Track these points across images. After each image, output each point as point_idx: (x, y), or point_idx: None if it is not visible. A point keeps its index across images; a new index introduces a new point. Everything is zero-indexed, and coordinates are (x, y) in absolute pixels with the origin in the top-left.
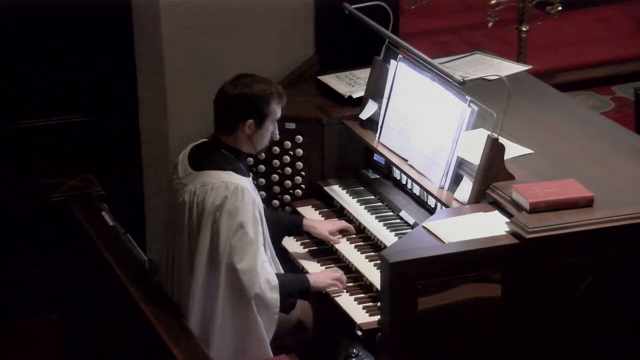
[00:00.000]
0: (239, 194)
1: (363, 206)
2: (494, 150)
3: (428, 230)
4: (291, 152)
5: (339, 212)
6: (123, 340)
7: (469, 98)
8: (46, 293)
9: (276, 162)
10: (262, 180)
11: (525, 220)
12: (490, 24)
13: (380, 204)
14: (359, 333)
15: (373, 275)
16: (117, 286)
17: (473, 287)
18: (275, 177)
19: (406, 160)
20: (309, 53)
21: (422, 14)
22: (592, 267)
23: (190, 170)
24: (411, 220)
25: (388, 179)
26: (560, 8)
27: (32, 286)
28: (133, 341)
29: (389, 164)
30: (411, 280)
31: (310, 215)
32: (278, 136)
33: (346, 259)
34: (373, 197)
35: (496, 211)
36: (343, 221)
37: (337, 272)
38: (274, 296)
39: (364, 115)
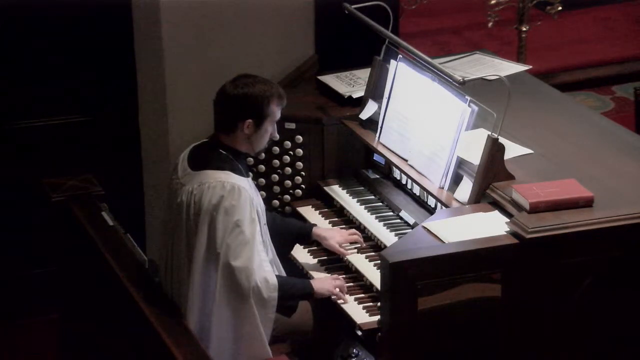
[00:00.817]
0: (236, 193)
1: (363, 206)
2: (494, 150)
3: (428, 230)
4: (291, 152)
5: (339, 212)
6: (123, 340)
7: (469, 98)
8: (46, 293)
9: (276, 162)
10: (262, 180)
11: (525, 220)
12: (490, 24)
13: (380, 204)
14: (359, 333)
15: (373, 275)
16: (117, 286)
17: (473, 287)
18: (275, 177)
19: (406, 160)
20: (309, 53)
21: (422, 14)
22: (592, 267)
23: (189, 170)
24: (411, 220)
25: (388, 179)
26: (560, 8)
27: (32, 286)
28: (133, 341)
29: (389, 164)
30: (411, 280)
31: (311, 215)
32: (277, 137)
33: (346, 259)
34: (373, 197)
35: (496, 211)
36: (353, 231)
37: (340, 280)
38: (272, 295)
39: (364, 115)
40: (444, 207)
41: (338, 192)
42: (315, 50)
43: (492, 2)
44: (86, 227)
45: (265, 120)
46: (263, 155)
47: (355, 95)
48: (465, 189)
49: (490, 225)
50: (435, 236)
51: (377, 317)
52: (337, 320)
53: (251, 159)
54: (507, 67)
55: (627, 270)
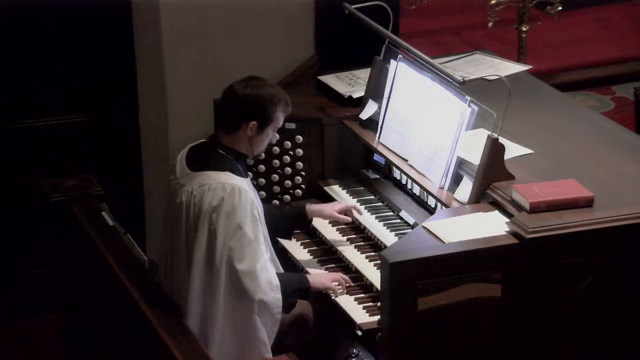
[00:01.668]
0: (236, 194)
1: (363, 206)
2: (494, 150)
3: (428, 230)
4: (291, 152)
5: None
6: (123, 340)
7: (469, 98)
8: (46, 293)
9: (276, 162)
10: (262, 180)
11: (525, 220)
12: (490, 24)
13: (380, 204)
14: (359, 333)
15: (373, 275)
16: (117, 286)
17: (473, 287)
18: (275, 177)
19: (406, 160)
20: (309, 53)
21: (422, 14)
22: (592, 267)
23: (188, 171)
24: (411, 220)
25: (388, 179)
26: (560, 8)
27: (32, 286)
28: (133, 341)
29: (389, 164)
30: (411, 280)
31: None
32: (274, 141)
33: (346, 258)
34: (373, 197)
35: (496, 211)
36: (345, 203)
37: (337, 274)
38: (276, 296)
39: (364, 115)
40: (444, 207)
41: (338, 192)
42: (315, 50)
43: (492, 2)
44: (86, 227)
45: (269, 124)
46: (263, 155)
47: (355, 95)
48: (465, 189)
49: (490, 225)
50: (435, 236)
51: (377, 317)
52: (337, 320)
53: (251, 159)
54: (507, 67)
55: (627, 270)
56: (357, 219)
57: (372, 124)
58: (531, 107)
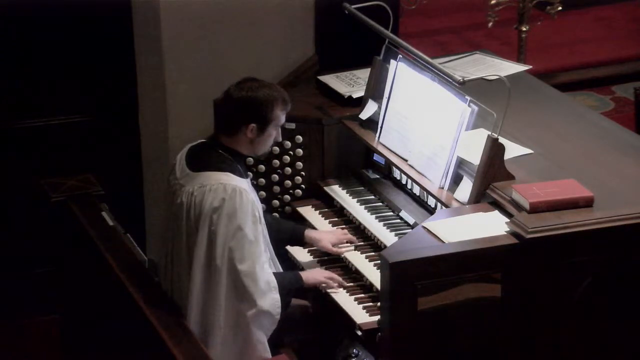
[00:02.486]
0: (237, 195)
1: (363, 206)
2: (494, 150)
3: (428, 230)
4: (291, 152)
5: (339, 212)
6: (123, 340)
7: (469, 98)
8: (46, 293)
9: (276, 162)
10: (262, 180)
11: (525, 220)
12: (490, 24)
13: (380, 204)
14: (359, 333)
15: (373, 275)
16: (117, 286)
17: (473, 287)
18: (275, 177)
19: (406, 160)
20: (309, 53)
21: (422, 14)
22: (592, 267)
23: (188, 171)
24: (411, 220)
25: (388, 179)
26: (560, 8)
27: (32, 286)
28: (133, 341)
29: (389, 164)
30: (411, 280)
31: (311, 215)
32: (280, 139)
33: (346, 258)
34: (373, 197)
35: (496, 211)
36: (346, 232)
37: (331, 272)
38: (274, 296)
39: (364, 115)
40: (444, 207)
41: (338, 192)
42: (315, 50)
43: (492, 2)
44: (86, 227)
45: (269, 124)
46: None
47: (355, 95)
48: (465, 189)
49: (490, 225)
50: (435, 236)
51: (377, 317)
52: (337, 320)
53: (251, 159)
54: (507, 67)
55: (627, 270)
56: (357, 219)
57: (372, 124)
58: (531, 107)
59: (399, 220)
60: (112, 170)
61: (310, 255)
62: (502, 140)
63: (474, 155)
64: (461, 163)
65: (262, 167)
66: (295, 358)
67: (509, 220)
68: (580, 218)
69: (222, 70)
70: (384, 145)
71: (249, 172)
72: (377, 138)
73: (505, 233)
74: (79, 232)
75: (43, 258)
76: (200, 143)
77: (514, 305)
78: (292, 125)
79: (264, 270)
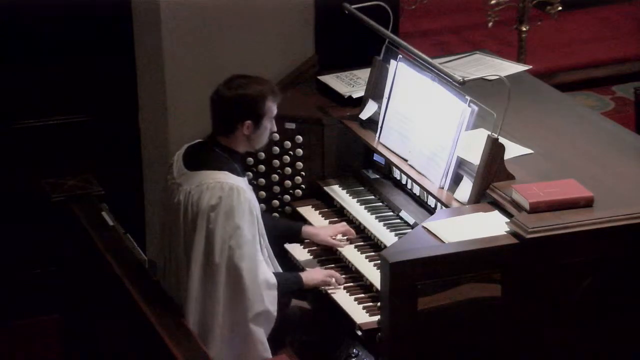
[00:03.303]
0: (235, 194)
1: (363, 206)
2: (494, 150)
3: (428, 230)
4: (291, 152)
5: (339, 212)
6: (123, 340)
7: (469, 98)
8: (46, 293)
9: (276, 162)
10: (262, 180)
11: (525, 220)
12: (490, 24)
13: (380, 204)
14: (359, 333)
15: (373, 275)
16: (117, 286)
17: (473, 287)
18: (275, 177)
19: (406, 160)
20: (309, 53)
21: (422, 14)
22: (592, 267)
23: (185, 171)
24: (411, 220)
25: (388, 179)
26: (560, 8)
27: (32, 286)
28: (133, 341)
29: (389, 164)
30: (411, 280)
31: (311, 215)
32: (275, 129)
33: (346, 258)
34: (373, 197)
35: (496, 211)
36: (344, 224)
37: (331, 271)
38: (272, 293)
39: (364, 115)
40: (444, 207)
41: (338, 192)
42: (315, 50)
43: (492, 2)
44: (86, 227)
45: (263, 118)
46: (263, 155)
47: (355, 95)
48: (465, 189)
49: (490, 225)
50: (435, 236)
51: (377, 317)
52: (337, 320)
53: (251, 159)
54: (507, 67)
55: (627, 270)
56: (357, 219)
57: (372, 124)
58: (531, 107)
59: (399, 220)
60: (112, 170)
61: (309, 254)
62: (502, 140)
63: (474, 155)
64: (461, 163)
65: (262, 167)
66: (295, 358)
67: (509, 220)
68: (580, 218)
69: (222, 70)
70: (384, 145)
71: (248, 172)
72: (377, 138)
73: (505, 233)
74: (79, 232)
75: (43, 258)
76: (197, 142)
77: (514, 305)
78: (292, 125)
79: (262, 268)
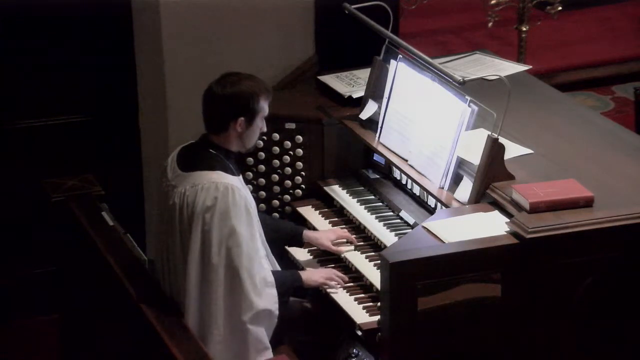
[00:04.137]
0: (230, 194)
1: (363, 206)
2: (494, 150)
3: (428, 230)
4: (291, 152)
5: (339, 212)
6: (123, 340)
7: (469, 98)
8: (46, 293)
9: (276, 162)
10: (262, 180)
11: (525, 220)
12: (490, 24)
13: (380, 204)
14: (359, 333)
15: (373, 275)
16: (117, 286)
17: (473, 287)
18: (275, 177)
19: (406, 160)
20: (309, 53)
21: (422, 14)
22: (592, 267)
23: (179, 172)
24: (411, 220)
25: (388, 179)
26: (560, 8)
27: (32, 286)
28: (133, 341)
29: (389, 164)
30: (411, 280)
31: (311, 215)
32: (265, 129)
33: (346, 258)
34: (373, 197)
35: (496, 211)
36: (345, 230)
37: (332, 271)
38: (271, 292)
39: (364, 115)
40: (444, 207)
41: (338, 192)
42: (315, 50)
43: (492, 2)
44: (86, 227)
45: (256, 116)
46: (263, 155)
47: (355, 95)
48: (465, 189)
49: (490, 225)
50: (435, 236)
51: (377, 317)
52: (337, 320)
53: (251, 159)
54: (507, 67)
55: (627, 270)
56: (357, 219)
57: (372, 124)
58: (531, 107)
59: (399, 220)
60: (112, 170)
61: (310, 254)
62: (502, 140)
63: (474, 155)
64: (461, 163)
65: (262, 167)
66: (295, 358)
67: (509, 220)
68: (580, 218)
69: (222, 70)
70: (384, 145)
71: (248, 172)
72: (377, 138)
73: (505, 233)
74: (79, 232)
75: (43, 258)
76: (190, 144)
77: (514, 305)
78: (292, 125)
79: (260, 266)
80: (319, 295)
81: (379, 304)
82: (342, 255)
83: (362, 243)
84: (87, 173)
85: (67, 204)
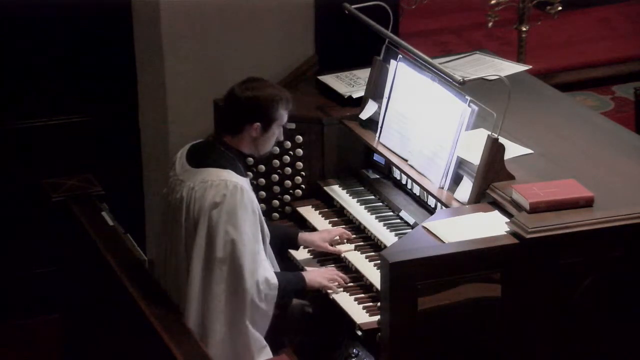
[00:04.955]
0: (238, 193)
1: (363, 206)
2: (494, 150)
3: (428, 230)
4: (291, 152)
5: (339, 212)
6: (123, 340)
7: (469, 98)
8: (46, 293)
9: (276, 162)
10: (262, 180)
11: (525, 220)
12: (490, 24)
13: (380, 204)
14: (359, 333)
15: (373, 275)
16: (117, 286)
17: (473, 287)
18: (275, 177)
19: (406, 160)
20: (309, 53)
21: (422, 14)
22: (592, 267)
23: (188, 167)
24: (411, 220)
25: (388, 179)
26: (560, 8)
27: (32, 286)
28: (133, 341)
29: (389, 164)
30: (411, 280)
31: (311, 215)
32: (282, 138)
33: (346, 258)
34: (373, 197)
35: (496, 211)
36: (339, 228)
37: (334, 271)
38: (271, 293)
39: (364, 115)
40: (444, 207)
41: (338, 192)
42: (315, 50)
43: (492, 2)
44: (86, 227)
45: (273, 124)
46: None
47: (355, 95)
48: (465, 189)
49: (490, 225)
50: (435, 236)
51: (377, 317)
52: (337, 320)
53: (251, 159)
54: (507, 67)
55: (627, 270)
56: (357, 219)
57: (372, 124)
58: (531, 107)
59: (399, 220)
60: (112, 170)
61: (309, 254)
62: (502, 140)
63: (474, 155)
64: (461, 163)
65: (262, 167)
66: (295, 358)
67: (509, 220)
68: (580, 218)
69: (222, 70)
70: (384, 145)
71: (248, 172)
72: (377, 138)
73: (505, 233)
74: (79, 232)
75: (43, 258)
76: (202, 141)
77: (514, 305)
78: (292, 125)
79: (262, 267)
80: (319, 295)
81: (379, 304)
82: (342, 255)
83: (362, 243)
84: (87, 173)
85: (67, 204)
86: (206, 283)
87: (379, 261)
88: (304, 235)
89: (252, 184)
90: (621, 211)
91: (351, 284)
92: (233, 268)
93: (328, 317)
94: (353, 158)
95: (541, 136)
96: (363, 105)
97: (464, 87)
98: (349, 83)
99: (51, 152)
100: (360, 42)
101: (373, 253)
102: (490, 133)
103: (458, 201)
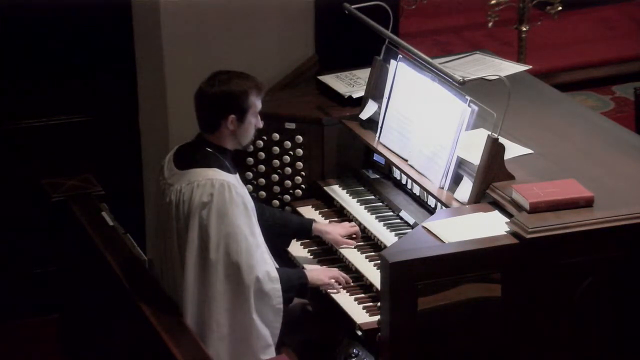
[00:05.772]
0: (226, 190)
1: (363, 206)
2: (494, 150)
3: (428, 230)
4: (291, 152)
5: (339, 212)
6: (123, 340)
7: (469, 98)
8: (46, 293)
9: (276, 162)
10: (262, 180)
11: (525, 220)
12: (490, 24)
13: (380, 204)
14: (359, 333)
15: (373, 275)
16: (117, 286)
17: (473, 287)
18: (275, 177)
19: (406, 160)
20: (309, 53)
21: (422, 14)
22: (592, 267)
23: (175, 170)
24: (411, 220)
25: (388, 179)
26: (560, 8)
27: (32, 286)
28: (133, 341)
29: (389, 164)
30: (411, 280)
31: (311, 215)
32: (261, 125)
33: (346, 258)
34: (373, 197)
35: (496, 211)
36: (354, 225)
37: (336, 271)
38: (274, 286)
39: (364, 115)
40: (444, 207)
41: (338, 192)
42: (315, 50)
43: (492, 2)
44: (86, 227)
45: (247, 113)
46: (263, 155)
47: (355, 95)
48: (465, 189)
49: (490, 225)
50: (435, 236)
51: (377, 317)
52: (337, 320)
53: (251, 159)
54: (507, 67)
55: (627, 270)
56: (357, 219)
57: (372, 124)
58: (531, 107)
59: (399, 220)
60: (112, 170)
61: (309, 254)
62: (502, 140)
63: (474, 155)
64: (461, 163)
65: (262, 167)
66: (295, 358)
67: (509, 220)
68: (580, 218)
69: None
70: (384, 145)
71: (248, 172)
72: (377, 138)
73: (505, 233)
74: (79, 232)
75: (43, 258)
76: (187, 143)
77: (514, 305)
78: (292, 125)
79: (263, 260)
80: (319, 295)
81: (379, 304)
82: (342, 255)
83: (362, 243)
84: (87, 173)
85: (67, 204)
86: (202, 283)
87: (379, 261)
88: (318, 226)
89: (252, 184)
90: (621, 211)
91: (351, 284)
92: (230, 266)
93: (328, 317)
94: (353, 158)
95: (541, 136)
96: (363, 105)
97: (464, 87)
98: (349, 83)
99: (51, 152)
100: (360, 42)
101: (373, 253)
102: (490, 133)
103: (458, 201)
